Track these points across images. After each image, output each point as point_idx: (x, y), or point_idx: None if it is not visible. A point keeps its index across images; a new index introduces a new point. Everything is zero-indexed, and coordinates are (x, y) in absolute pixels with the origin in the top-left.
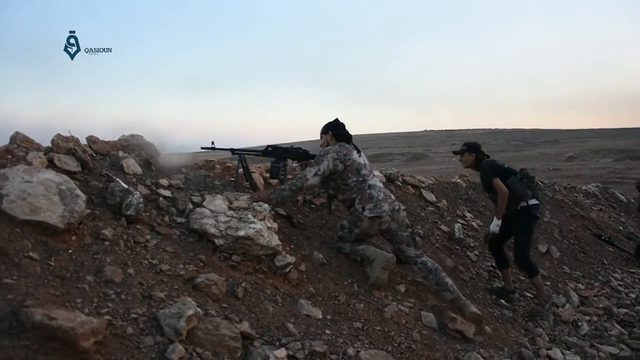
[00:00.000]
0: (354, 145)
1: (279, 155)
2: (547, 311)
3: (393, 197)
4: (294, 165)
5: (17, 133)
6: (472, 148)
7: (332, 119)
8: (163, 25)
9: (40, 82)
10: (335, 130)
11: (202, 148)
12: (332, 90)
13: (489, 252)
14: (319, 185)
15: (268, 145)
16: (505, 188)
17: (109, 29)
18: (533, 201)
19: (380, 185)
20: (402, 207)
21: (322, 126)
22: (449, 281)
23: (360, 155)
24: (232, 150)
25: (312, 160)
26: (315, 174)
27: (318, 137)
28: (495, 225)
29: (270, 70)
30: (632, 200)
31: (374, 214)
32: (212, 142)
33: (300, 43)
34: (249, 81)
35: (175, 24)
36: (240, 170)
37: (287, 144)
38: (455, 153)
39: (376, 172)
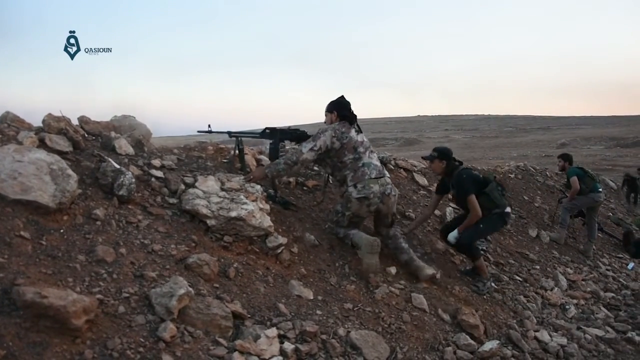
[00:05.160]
0: (357, 125)
1: (277, 137)
2: (488, 289)
3: (389, 180)
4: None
5: (7, 112)
6: (442, 155)
7: (337, 97)
8: (149, 4)
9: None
10: (340, 111)
11: (198, 131)
12: (322, 73)
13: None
14: (313, 160)
15: (266, 128)
16: (479, 209)
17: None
18: (507, 209)
19: (377, 163)
20: (395, 194)
21: (327, 104)
22: (405, 245)
23: (358, 134)
24: (229, 133)
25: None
26: (311, 149)
27: (309, 121)
28: (453, 237)
29: (255, 53)
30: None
31: (361, 194)
32: (209, 126)
33: (286, 24)
34: (232, 64)
35: (161, 3)
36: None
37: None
38: (425, 159)
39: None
